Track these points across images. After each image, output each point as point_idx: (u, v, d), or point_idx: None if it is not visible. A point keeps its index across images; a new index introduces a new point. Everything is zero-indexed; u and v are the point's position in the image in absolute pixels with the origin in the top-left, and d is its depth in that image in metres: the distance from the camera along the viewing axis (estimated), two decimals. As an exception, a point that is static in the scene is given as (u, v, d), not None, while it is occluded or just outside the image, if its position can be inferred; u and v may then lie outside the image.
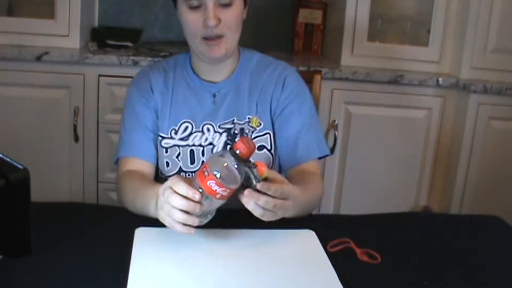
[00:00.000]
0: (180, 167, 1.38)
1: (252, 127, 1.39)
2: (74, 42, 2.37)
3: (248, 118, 1.40)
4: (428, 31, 2.58)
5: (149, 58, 2.30)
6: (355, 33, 2.53)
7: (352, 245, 1.13)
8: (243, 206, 1.41)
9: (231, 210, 1.32)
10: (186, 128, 1.39)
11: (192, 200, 1.01)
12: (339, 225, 1.28)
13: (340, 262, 1.06)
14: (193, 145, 1.38)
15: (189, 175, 1.38)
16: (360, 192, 2.56)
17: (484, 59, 2.49)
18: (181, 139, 1.38)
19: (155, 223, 1.11)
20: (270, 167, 1.43)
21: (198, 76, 1.42)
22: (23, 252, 0.92)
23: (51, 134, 2.34)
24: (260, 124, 1.40)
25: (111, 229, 1.16)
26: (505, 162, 2.51)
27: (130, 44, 2.52)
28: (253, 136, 1.39)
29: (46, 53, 2.25)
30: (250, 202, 1.03)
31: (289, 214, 1.13)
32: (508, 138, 2.50)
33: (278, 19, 2.90)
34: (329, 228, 1.20)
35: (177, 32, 2.84)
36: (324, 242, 1.13)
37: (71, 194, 2.37)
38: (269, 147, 1.41)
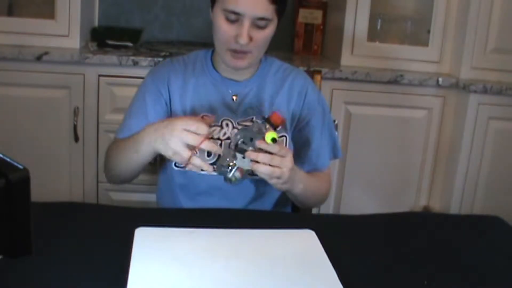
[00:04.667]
0: None
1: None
2: (74, 42, 2.37)
3: None
4: (428, 31, 2.58)
5: (149, 58, 2.30)
6: (355, 33, 2.53)
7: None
8: (243, 206, 1.40)
9: (231, 210, 1.32)
10: None
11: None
12: (339, 225, 1.28)
13: (340, 262, 1.06)
14: (211, 138, 1.38)
15: None
16: (360, 192, 2.56)
17: (484, 59, 2.49)
18: None
19: (155, 223, 1.11)
20: None
21: (219, 73, 1.43)
22: (23, 252, 0.92)
23: (51, 134, 2.34)
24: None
25: (111, 229, 1.16)
26: (505, 162, 2.51)
27: (130, 44, 2.52)
28: None
29: (46, 53, 2.24)
30: (255, 164, 1.17)
31: (297, 186, 1.27)
32: (508, 138, 2.50)
33: (278, 19, 2.90)
34: (329, 228, 1.20)
35: (177, 32, 2.84)
36: (324, 242, 1.13)
37: (71, 194, 2.37)
38: None
